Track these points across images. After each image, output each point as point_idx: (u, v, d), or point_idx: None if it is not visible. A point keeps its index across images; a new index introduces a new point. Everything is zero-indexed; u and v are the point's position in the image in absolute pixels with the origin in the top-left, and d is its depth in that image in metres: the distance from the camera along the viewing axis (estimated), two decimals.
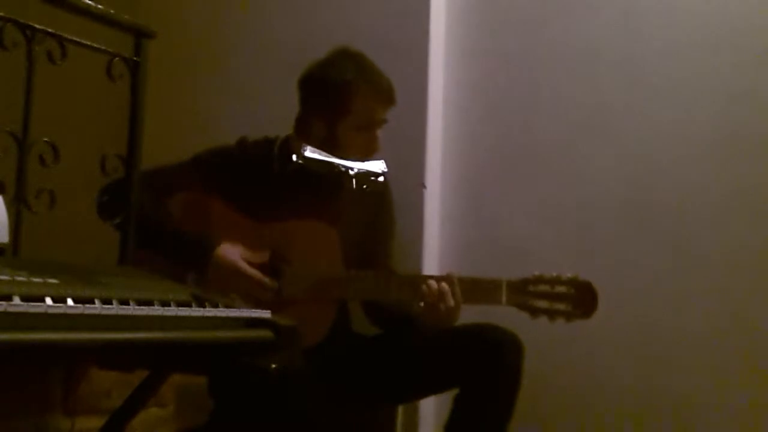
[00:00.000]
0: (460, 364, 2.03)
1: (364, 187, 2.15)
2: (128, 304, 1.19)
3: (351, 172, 2.12)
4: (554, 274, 2.05)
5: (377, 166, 2.16)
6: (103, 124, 2.16)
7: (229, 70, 2.89)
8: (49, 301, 1.08)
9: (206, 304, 1.37)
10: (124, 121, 1.67)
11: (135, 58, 1.65)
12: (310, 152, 2.12)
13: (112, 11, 1.59)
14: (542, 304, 2.03)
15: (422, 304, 2.03)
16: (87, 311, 1.11)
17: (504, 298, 2.03)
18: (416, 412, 2.53)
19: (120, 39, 1.64)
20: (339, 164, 2.12)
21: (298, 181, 2.16)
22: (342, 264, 2.08)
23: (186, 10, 2.97)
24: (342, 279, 2.07)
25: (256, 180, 2.17)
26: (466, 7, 2.73)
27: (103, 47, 1.58)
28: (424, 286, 2.02)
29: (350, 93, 2.13)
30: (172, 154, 2.20)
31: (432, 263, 2.62)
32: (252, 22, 2.88)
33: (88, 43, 1.54)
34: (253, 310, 1.43)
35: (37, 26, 1.46)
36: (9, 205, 1.40)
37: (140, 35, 1.66)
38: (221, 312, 1.37)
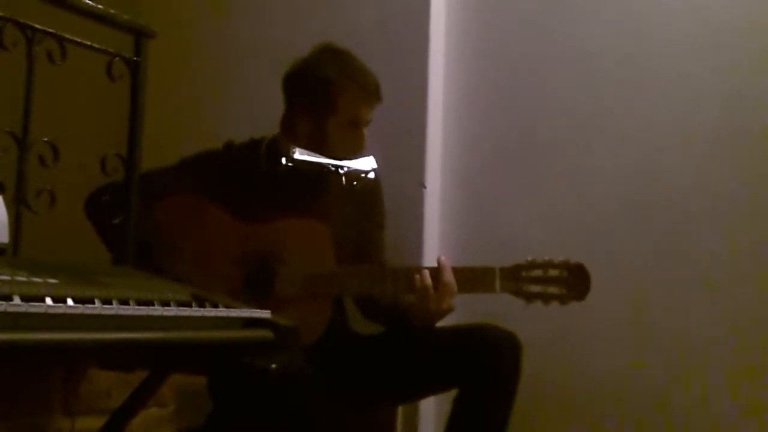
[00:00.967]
0: (460, 364, 2.02)
1: (354, 184, 2.14)
2: (128, 304, 1.19)
3: (341, 171, 2.12)
4: (546, 258, 2.04)
5: (367, 163, 2.15)
6: (103, 124, 2.16)
7: (229, 70, 2.89)
8: (49, 301, 1.08)
9: (206, 304, 1.37)
10: (124, 121, 1.68)
11: (135, 58, 1.65)
12: (299, 154, 2.11)
13: (112, 11, 1.60)
14: (536, 288, 2.03)
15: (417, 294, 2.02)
16: (87, 311, 1.11)
17: (498, 285, 2.02)
18: (416, 412, 2.53)
19: (120, 39, 1.64)
20: (328, 164, 2.12)
21: (287, 181, 2.15)
22: (335, 260, 2.08)
23: (186, 10, 2.97)
24: (336, 275, 2.07)
25: (245, 181, 2.16)
26: (466, 7, 2.73)
27: (103, 47, 1.58)
28: (417, 276, 2.02)
29: (335, 91, 2.12)
30: (172, 154, 2.19)
31: (432, 263, 2.60)
32: (252, 22, 2.88)
33: (88, 43, 1.55)
34: (254, 310, 1.43)
35: (37, 26, 1.46)
36: (9, 205, 1.40)
37: (140, 35, 1.66)
38: (221, 312, 1.37)
